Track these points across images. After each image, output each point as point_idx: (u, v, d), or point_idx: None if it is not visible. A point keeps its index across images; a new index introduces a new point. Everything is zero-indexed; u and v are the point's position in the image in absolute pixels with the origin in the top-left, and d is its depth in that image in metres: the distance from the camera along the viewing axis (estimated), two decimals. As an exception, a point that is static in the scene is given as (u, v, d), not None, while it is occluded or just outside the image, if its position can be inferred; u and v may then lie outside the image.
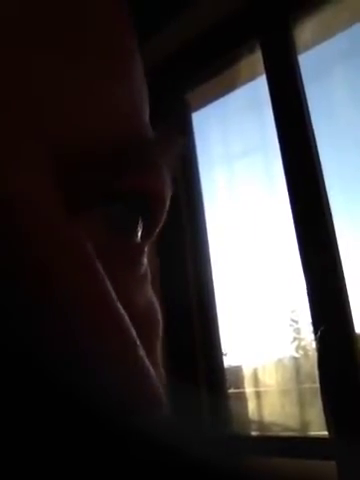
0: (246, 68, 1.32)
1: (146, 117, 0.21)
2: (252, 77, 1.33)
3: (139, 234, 0.21)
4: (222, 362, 1.32)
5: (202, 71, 1.38)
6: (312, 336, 1.12)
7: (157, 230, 0.22)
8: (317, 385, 1.01)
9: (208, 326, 1.32)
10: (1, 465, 0.12)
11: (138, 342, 0.16)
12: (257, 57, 1.26)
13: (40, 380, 0.13)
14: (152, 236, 0.22)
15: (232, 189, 1.43)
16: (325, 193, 1.12)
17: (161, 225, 0.22)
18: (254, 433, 1.31)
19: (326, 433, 0.99)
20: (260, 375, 1.32)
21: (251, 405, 1.31)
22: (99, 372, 0.14)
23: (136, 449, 0.13)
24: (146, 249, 0.21)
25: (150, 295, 0.22)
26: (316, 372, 1.00)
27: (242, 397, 1.33)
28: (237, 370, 1.36)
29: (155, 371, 0.20)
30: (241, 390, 1.34)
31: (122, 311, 0.15)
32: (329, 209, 1.11)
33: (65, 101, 0.17)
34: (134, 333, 0.16)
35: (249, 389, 1.33)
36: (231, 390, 1.34)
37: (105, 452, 0.13)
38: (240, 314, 1.34)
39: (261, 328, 1.29)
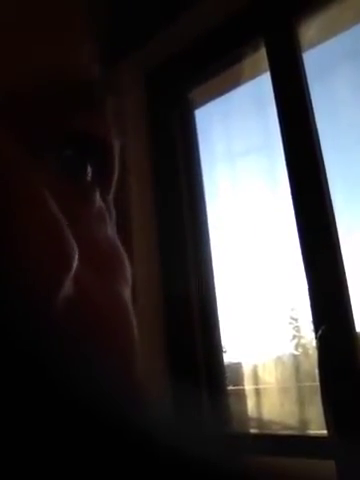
0: (250, 65, 1.32)
1: (92, 70, 0.22)
2: (256, 74, 1.33)
3: (89, 175, 0.22)
4: (222, 359, 1.32)
5: (205, 68, 1.38)
6: (312, 334, 1.12)
7: (112, 179, 0.24)
8: (316, 383, 1.01)
9: (208, 323, 1.32)
10: None
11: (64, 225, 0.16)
12: (261, 54, 1.26)
13: None
14: (108, 185, 0.23)
15: (234, 187, 1.43)
16: (328, 192, 1.12)
17: (115, 173, 0.23)
18: (253, 431, 1.31)
19: (325, 432, 0.99)
20: (260, 372, 1.32)
21: (250, 403, 1.31)
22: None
23: (135, 447, 0.13)
24: (98, 190, 0.22)
25: (111, 237, 0.23)
26: (316, 370, 1.00)
27: (241, 394, 1.33)
28: (237, 367, 1.36)
29: (124, 314, 0.20)
30: (240, 387, 1.34)
31: (61, 219, 0.16)
32: (332, 207, 1.11)
33: (9, 48, 0.18)
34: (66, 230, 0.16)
35: (248, 386, 1.33)
36: (230, 387, 1.34)
37: (105, 450, 0.13)
38: (240, 311, 1.34)
39: (261, 325, 1.29)
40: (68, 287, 0.16)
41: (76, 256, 0.15)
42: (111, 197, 0.24)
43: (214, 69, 1.37)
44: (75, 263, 0.15)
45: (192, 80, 1.43)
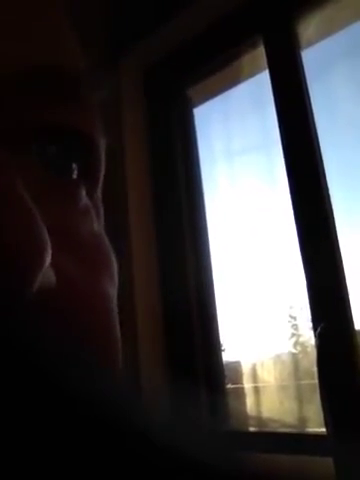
0: (248, 63, 1.32)
1: (71, 61, 0.22)
2: (254, 72, 1.33)
3: (75, 172, 0.22)
4: (221, 357, 1.32)
5: (204, 66, 1.38)
6: (310, 332, 1.12)
7: (98, 176, 0.23)
8: (315, 381, 1.01)
9: (207, 321, 1.32)
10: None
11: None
12: (259, 52, 1.26)
13: None
14: (94, 182, 0.23)
15: (233, 186, 1.43)
16: (326, 190, 1.12)
17: (101, 170, 0.23)
18: (252, 429, 1.31)
19: (324, 430, 0.99)
20: (258, 371, 1.32)
21: (249, 401, 1.32)
22: None
23: (134, 446, 0.13)
24: (84, 187, 0.22)
25: (97, 233, 0.23)
26: (314, 368, 1.00)
27: (240, 393, 1.33)
28: (236, 365, 1.36)
29: (105, 305, 0.20)
30: (239, 386, 1.35)
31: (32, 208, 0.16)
32: (330, 206, 1.11)
33: None
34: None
35: (247, 385, 1.33)
36: (229, 386, 1.35)
37: (104, 450, 0.13)
38: (239, 309, 1.34)
39: (259, 324, 1.29)
40: (50, 277, 0.16)
41: (49, 250, 0.15)
42: (99, 194, 0.24)
43: (213, 67, 1.37)
44: (48, 257, 0.15)
45: (190, 78, 1.43)
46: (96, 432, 0.13)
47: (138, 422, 0.14)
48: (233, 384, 1.36)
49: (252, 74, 1.34)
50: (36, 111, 0.19)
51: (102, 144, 0.23)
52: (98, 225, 0.23)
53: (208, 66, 1.37)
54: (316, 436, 1.11)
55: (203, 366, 1.30)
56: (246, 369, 1.34)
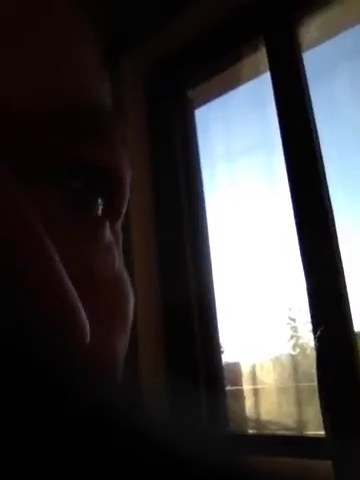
0: (249, 65, 1.32)
1: (102, 97, 0.21)
2: (255, 74, 1.33)
3: (100, 209, 0.21)
4: (220, 359, 1.32)
5: (205, 68, 1.38)
6: (309, 334, 1.12)
7: (122, 209, 0.23)
8: (314, 384, 1.01)
9: (207, 323, 1.32)
10: None
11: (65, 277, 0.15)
12: (261, 54, 1.26)
13: None
14: (118, 215, 0.23)
15: (234, 187, 1.43)
16: (327, 191, 1.12)
17: (125, 204, 0.23)
18: (251, 431, 1.31)
19: (323, 433, 0.99)
20: (258, 372, 1.32)
21: (248, 403, 1.31)
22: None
23: (133, 447, 0.13)
24: (108, 224, 0.22)
25: (119, 270, 0.22)
26: (313, 371, 1.00)
27: (239, 394, 1.33)
28: (235, 367, 1.36)
29: (113, 344, 0.20)
30: (238, 387, 1.34)
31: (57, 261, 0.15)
32: (330, 207, 1.11)
33: (13, 70, 0.18)
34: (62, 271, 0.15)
35: (246, 386, 1.33)
36: (228, 387, 1.34)
37: (104, 450, 0.13)
38: (238, 311, 1.34)
39: (259, 325, 1.29)
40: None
41: (88, 331, 0.15)
42: (119, 226, 0.24)
43: (214, 68, 1.37)
44: (87, 338, 0.15)
45: (192, 79, 1.43)
46: (96, 433, 0.13)
47: (137, 423, 0.14)
48: (232, 385, 1.36)
49: (253, 76, 1.34)
50: (68, 149, 0.19)
51: (129, 179, 0.22)
52: (118, 259, 0.22)
53: (209, 67, 1.37)
54: (315, 439, 1.11)
55: (203, 367, 1.30)
56: (245, 371, 1.33)
